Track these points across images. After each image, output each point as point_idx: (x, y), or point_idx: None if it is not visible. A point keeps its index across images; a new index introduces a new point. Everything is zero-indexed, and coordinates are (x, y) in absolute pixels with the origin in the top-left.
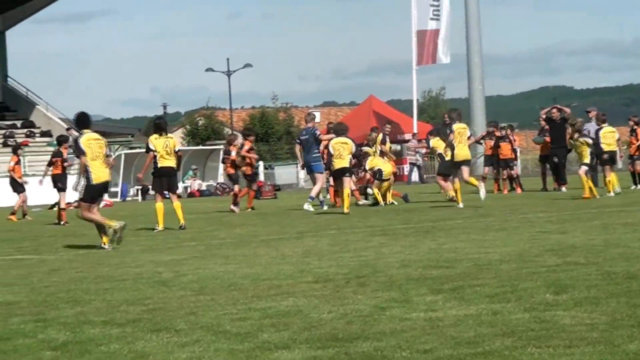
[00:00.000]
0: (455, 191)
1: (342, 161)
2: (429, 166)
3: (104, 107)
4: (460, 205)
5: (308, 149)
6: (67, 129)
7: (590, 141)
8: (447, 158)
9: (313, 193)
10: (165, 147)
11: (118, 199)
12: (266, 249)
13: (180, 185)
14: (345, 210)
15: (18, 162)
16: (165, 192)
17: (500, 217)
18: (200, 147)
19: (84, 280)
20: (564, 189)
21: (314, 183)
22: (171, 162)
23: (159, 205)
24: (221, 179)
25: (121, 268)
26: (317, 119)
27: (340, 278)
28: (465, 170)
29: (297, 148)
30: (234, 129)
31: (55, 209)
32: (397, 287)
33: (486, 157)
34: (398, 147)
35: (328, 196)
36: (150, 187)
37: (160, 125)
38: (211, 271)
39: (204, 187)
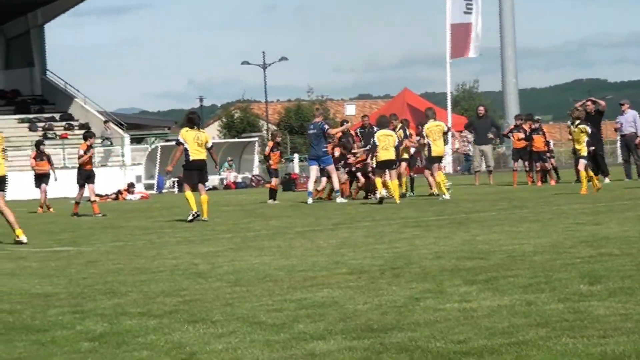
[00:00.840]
0: (438, 184)
1: (388, 153)
2: (462, 158)
3: (140, 99)
4: (447, 196)
5: (317, 143)
6: (105, 122)
7: (589, 129)
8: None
9: (336, 185)
10: (197, 139)
11: (154, 191)
12: (301, 241)
13: (217, 177)
14: (398, 201)
15: (36, 157)
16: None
17: (534, 208)
18: (236, 139)
19: (121, 272)
20: (607, 179)
21: (327, 176)
22: (202, 155)
23: (189, 193)
24: (256, 170)
25: (158, 260)
26: (352, 112)
27: (374, 269)
28: (435, 167)
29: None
30: (269, 121)
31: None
32: (431, 278)
33: (515, 150)
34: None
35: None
36: None
37: (192, 119)
38: (247, 263)
39: (239, 179)
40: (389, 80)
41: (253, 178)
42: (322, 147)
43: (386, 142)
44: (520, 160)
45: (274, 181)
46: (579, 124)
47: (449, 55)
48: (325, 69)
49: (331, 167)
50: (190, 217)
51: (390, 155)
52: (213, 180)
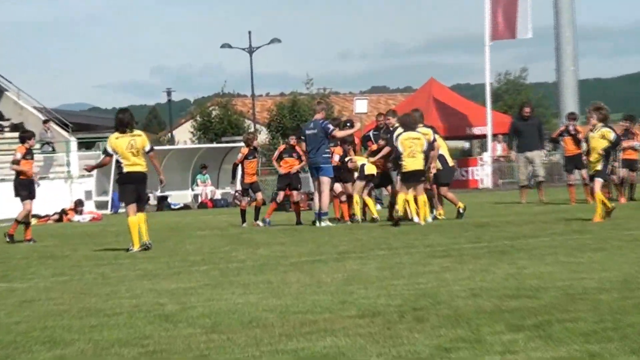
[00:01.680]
0: (407, 202)
1: (415, 161)
2: (505, 169)
3: (89, 93)
4: (416, 219)
5: (317, 147)
6: (45, 122)
7: (612, 136)
8: (451, 163)
9: (324, 207)
10: (130, 147)
11: (108, 211)
12: (297, 274)
13: (189, 192)
14: (422, 222)
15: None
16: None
17: (598, 233)
18: (215, 144)
19: (65, 314)
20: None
21: (318, 191)
22: (140, 166)
23: (132, 219)
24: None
25: (113, 299)
26: (364, 109)
27: (391, 311)
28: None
29: (302, 146)
30: (257, 121)
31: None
32: (465, 323)
33: (568, 159)
34: (466, 145)
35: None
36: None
37: (123, 120)
38: (227, 303)
39: (218, 196)
40: (411, 68)
41: (236, 194)
42: (323, 152)
43: (413, 148)
44: (576, 171)
45: (244, 201)
46: (603, 126)
47: (488, 37)
48: (329, 54)
49: (327, 181)
50: (130, 251)
51: (419, 164)
52: (183, 196)
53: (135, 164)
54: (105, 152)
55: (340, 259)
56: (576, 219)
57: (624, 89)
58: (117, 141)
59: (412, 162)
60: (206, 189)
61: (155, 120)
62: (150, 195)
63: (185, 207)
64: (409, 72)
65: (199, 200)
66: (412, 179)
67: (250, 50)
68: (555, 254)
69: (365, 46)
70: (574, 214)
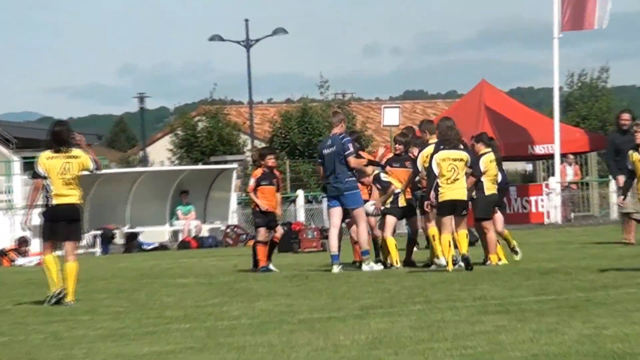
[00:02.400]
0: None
1: (456, 189)
2: (578, 199)
3: (38, 99)
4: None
5: (338, 170)
6: None
7: None
8: (489, 191)
9: (364, 244)
10: (63, 172)
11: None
12: (308, 335)
13: (167, 228)
14: (449, 268)
15: None
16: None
17: None
18: (201, 166)
19: None
20: None
21: (355, 225)
22: (71, 197)
23: (48, 258)
24: (234, 218)
25: None
26: (395, 120)
27: None
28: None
29: (320, 170)
30: (255, 136)
31: None
32: None
33: None
34: (528, 167)
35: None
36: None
37: (58, 135)
38: None
39: (204, 232)
40: (457, 67)
41: (228, 230)
42: (346, 176)
43: (453, 172)
44: None
45: (263, 233)
46: None
47: (557, 27)
48: (351, 49)
49: (360, 212)
50: (49, 299)
51: (460, 193)
52: (159, 233)
53: (66, 195)
54: (34, 174)
55: (363, 315)
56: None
57: None
58: (48, 162)
59: (451, 190)
60: (189, 223)
61: (124, 135)
62: (115, 232)
63: (162, 247)
64: (454, 73)
65: (180, 238)
66: (451, 210)
67: (248, 44)
68: None
69: (397, 39)
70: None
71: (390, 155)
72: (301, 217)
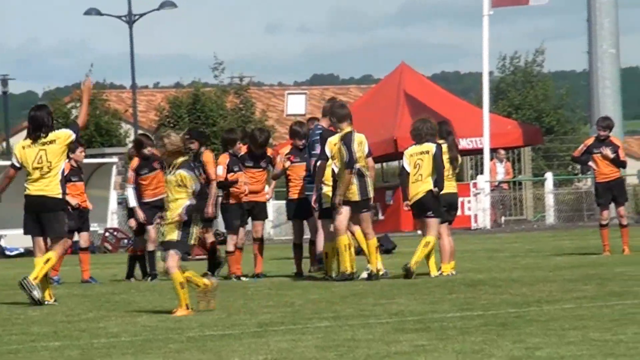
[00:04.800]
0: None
1: (424, 186)
2: (510, 200)
3: None
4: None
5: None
6: None
7: None
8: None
9: (320, 244)
10: (39, 161)
11: None
12: (198, 355)
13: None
14: (434, 273)
15: None
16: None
17: None
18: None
19: None
20: None
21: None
22: (46, 187)
23: (38, 260)
24: (114, 220)
25: None
26: (301, 108)
27: None
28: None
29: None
30: (139, 125)
31: None
32: None
33: (601, 187)
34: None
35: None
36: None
37: (37, 120)
38: None
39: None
40: (373, 49)
41: (107, 234)
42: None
43: (423, 168)
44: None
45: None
46: None
47: (487, 3)
48: (250, 26)
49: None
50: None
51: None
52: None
53: (38, 186)
54: (12, 164)
55: (261, 333)
56: (615, 275)
57: None
58: (23, 151)
59: (419, 188)
60: None
61: None
62: None
63: (28, 252)
64: (370, 55)
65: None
66: (421, 210)
67: (130, 20)
68: (583, 327)
69: (305, 15)
70: (611, 269)
71: (287, 149)
72: None
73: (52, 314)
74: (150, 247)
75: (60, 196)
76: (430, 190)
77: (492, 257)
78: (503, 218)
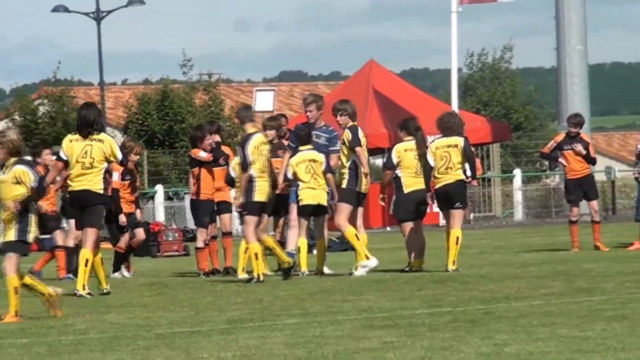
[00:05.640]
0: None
1: (455, 175)
2: (479, 197)
3: None
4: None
5: None
6: None
7: None
8: (408, 189)
9: (291, 242)
10: (83, 155)
11: None
12: (166, 353)
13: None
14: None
15: None
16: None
17: (615, 293)
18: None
19: None
20: None
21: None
22: (91, 183)
23: (85, 253)
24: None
25: None
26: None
27: None
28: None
29: (334, 160)
30: (107, 122)
31: None
32: None
33: (571, 183)
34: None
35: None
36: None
37: (85, 118)
38: None
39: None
40: (341, 45)
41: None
42: None
43: (451, 160)
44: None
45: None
46: None
47: (456, 1)
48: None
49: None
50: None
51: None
52: None
53: (81, 181)
54: (57, 156)
55: (230, 329)
56: (584, 272)
57: None
58: (70, 145)
59: (414, 183)
60: None
61: None
62: None
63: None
64: (338, 52)
65: None
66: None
67: (98, 16)
68: (551, 324)
69: (273, 12)
70: (579, 265)
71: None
72: (160, 216)
73: (19, 311)
74: (70, 242)
75: (101, 191)
76: (462, 180)
77: (461, 254)
78: (472, 215)
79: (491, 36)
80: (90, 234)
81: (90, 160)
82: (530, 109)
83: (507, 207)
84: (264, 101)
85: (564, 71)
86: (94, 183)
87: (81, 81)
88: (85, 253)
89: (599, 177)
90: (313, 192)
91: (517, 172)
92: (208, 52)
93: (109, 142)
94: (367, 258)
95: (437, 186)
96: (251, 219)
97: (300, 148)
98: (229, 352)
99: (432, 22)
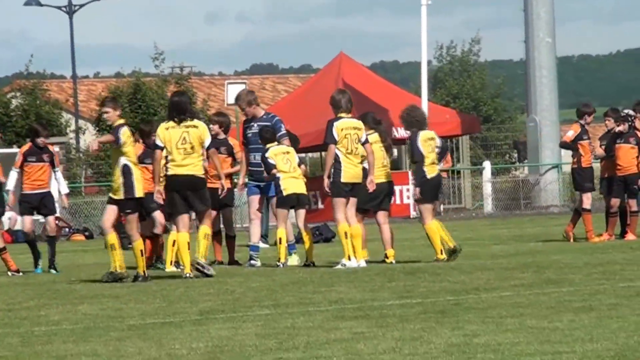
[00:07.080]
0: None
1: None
2: (449, 189)
3: None
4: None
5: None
6: None
7: None
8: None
9: (255, 236)
10: (182, 142)
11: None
12: (139, 343)
13: None
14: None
15: None
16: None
17: (583, 285)
18: (15, 149)
19: None
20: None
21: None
22: (193, 167)
23: (180, 237)
24: (57, 209)
25: None
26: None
27: None
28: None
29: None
30: (80, 115)
31: None
32: None
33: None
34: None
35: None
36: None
37: (178, 105)
38: None
39: (20, 226)
40: (312, 38)
41: (57, 222)
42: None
43: (434, 153)
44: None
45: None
46: None
47: None
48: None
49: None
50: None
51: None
52: None
53: (184, 165)
54: (155, 145)
55: (202, 320)
56: (552, 264)
57: (626, 69)
58: (166, 133)
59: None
60: (3, 216)
61: None
62: None
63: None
64: (309, 44)
65: None
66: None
67: (70, 10)
68: (520, 315)
69: (244, 4)
70: (548, 257)
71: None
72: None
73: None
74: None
75: (204, 176)
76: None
77: (431, 246)
78: (442, 206)
79: (460, 29)
80: (208, 215)
81: (189, 145)
82: (499, 101)
83: (477, 199)
84: (235, 94)
85: (532, 64)
86: (198, 168)
87: (54, 74)
88: (205, 229)
89: (567, 168)
90: (295, 182)
91: (487, 164)
92: (178, 45)
93: (203, 128)
94: (349, 259)
95: (430, 176)
96: (339, 201)
97: (268, 146)
98: (201, 343)
99: (402, 15)
